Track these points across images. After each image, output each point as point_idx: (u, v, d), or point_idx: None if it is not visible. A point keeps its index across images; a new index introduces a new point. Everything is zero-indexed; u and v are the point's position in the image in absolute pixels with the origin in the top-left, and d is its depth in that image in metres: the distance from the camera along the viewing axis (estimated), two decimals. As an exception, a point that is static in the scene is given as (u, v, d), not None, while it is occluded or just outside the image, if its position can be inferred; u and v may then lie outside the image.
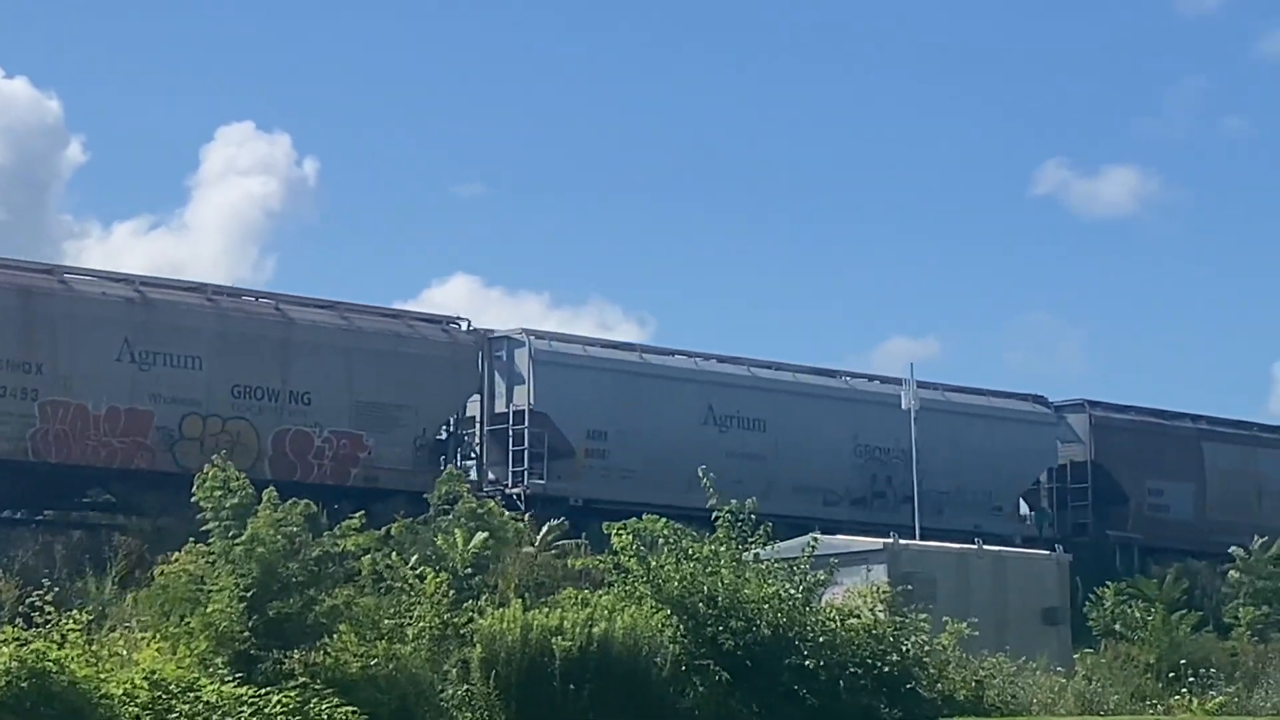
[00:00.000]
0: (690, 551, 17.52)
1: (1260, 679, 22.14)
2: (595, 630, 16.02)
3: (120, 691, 14.15)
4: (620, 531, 17.57)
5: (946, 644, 18.24)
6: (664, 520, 17.96)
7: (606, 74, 74.60)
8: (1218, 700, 19.64)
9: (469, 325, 30.26)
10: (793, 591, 17.47)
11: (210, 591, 15.27)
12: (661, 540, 17.62)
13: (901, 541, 21.45)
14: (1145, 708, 19.57)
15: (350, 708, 14.63)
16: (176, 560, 15.70)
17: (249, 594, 15.12)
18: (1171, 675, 21.31)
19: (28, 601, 15.54)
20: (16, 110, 59.25)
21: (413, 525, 21.96)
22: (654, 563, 17.27)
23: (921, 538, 23.48)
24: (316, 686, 14.85)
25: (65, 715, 13.79)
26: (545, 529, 24.19)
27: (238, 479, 15.84)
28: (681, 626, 16.84)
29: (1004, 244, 74.85)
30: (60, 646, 14.28)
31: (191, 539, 15.97)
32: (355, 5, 73.26)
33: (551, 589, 19.27)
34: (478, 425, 30.19)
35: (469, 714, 15.81)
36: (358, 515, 16.39)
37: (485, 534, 21.34)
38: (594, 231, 73.69)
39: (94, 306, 26.66)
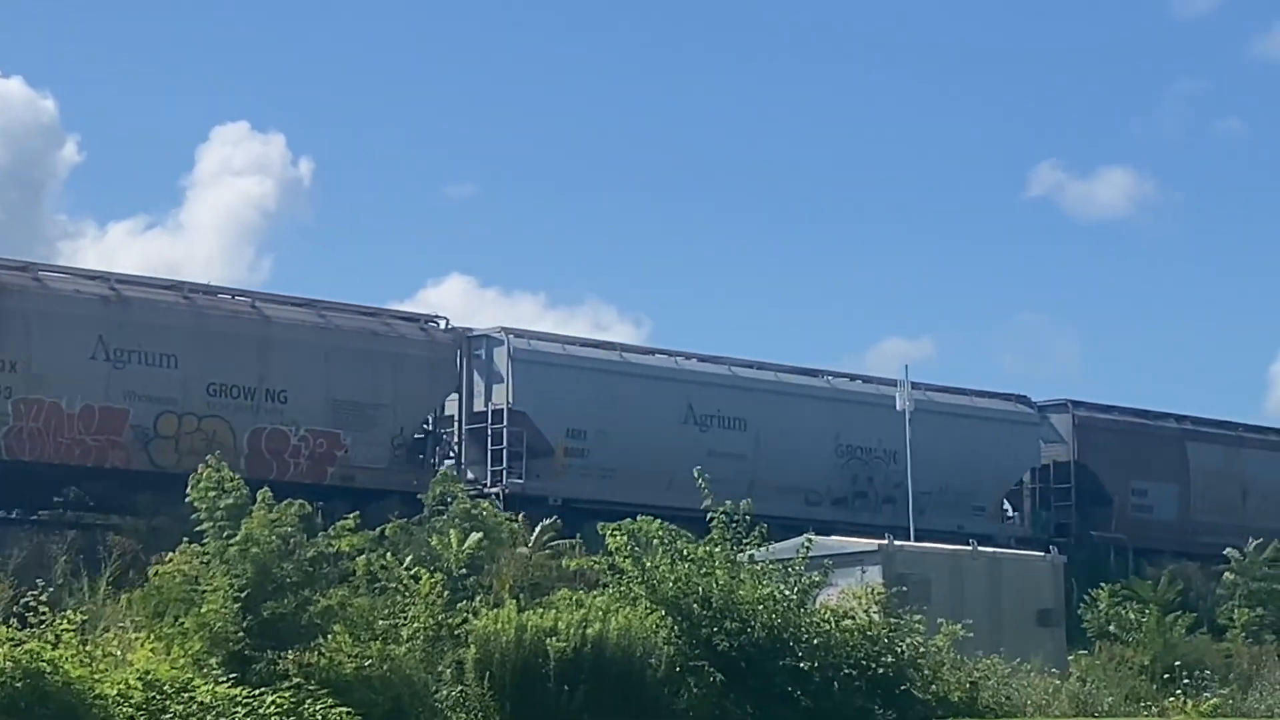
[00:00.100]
0: (685, 552, 18.05)
1: (1255, 681, 22.86)
2: (590, 631, 16.47)
3: (114, 692, 14.51)
4: (615, 532, 18.13)
5: (941, 645, 18.75)
6: (659, 521, 18.50)
7: (602, 74, 75.54)
8: (1212, 702, 20.16)
9: (447, 324, 30.67)
10: (787, 593, 17.98)
11: (204, 592, 15.67)
12: (656, 541, 18.16)
13: (896, 543, 22.05)
14: (1140, 710, 20.19)
15: (344, 708, 14.99)
16: (171, 560, 16.18)
17: (243, 594, 15.52)
18: (1166, 677, 21.96)
19: (22, 601, 15.96)
20: (12, 110, 59.97)
21: (407, 526, 22.44)
22: (649, 564, 17.80)
23: (903, 538, 24.01)
24: (311, 687, 15.23)
25: (59, 715, 14.15)
26: (539, 529, 24.71)
27: (232, 479, 16.31)
28: (676, 628, 17.33)
29: (999, 245, 75.95)
30: (54, 647, 14.64)
31: (186, 539, 16.42)
32: (351, 6, 74.22)
33: (546, 590, 19.80)
34: (456, 424, 30.64)
35: (463, 715, 16.25)
36: (352, 516, 16.88)
37: (480, 534, 21.86)
38: (590, 232, 74.72)
39: (68, 304, 26.93)
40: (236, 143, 69.08)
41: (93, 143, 73.15)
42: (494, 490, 29.12)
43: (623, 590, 17.87)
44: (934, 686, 18.27)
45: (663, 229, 73.97)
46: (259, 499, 16.08)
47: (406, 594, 17.21)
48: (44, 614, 15.30)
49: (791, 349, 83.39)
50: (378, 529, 19.35)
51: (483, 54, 74.11)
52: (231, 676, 15.20)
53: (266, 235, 71.71)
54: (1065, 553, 24.76)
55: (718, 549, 18.27)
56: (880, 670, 17.79)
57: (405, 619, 16.86)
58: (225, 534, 15.92)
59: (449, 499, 23.95)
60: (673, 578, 17.66)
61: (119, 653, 15.61)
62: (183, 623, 15.61)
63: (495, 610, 16.97)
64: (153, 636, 15.73)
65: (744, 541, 18.56)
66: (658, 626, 17.13)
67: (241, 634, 15.57)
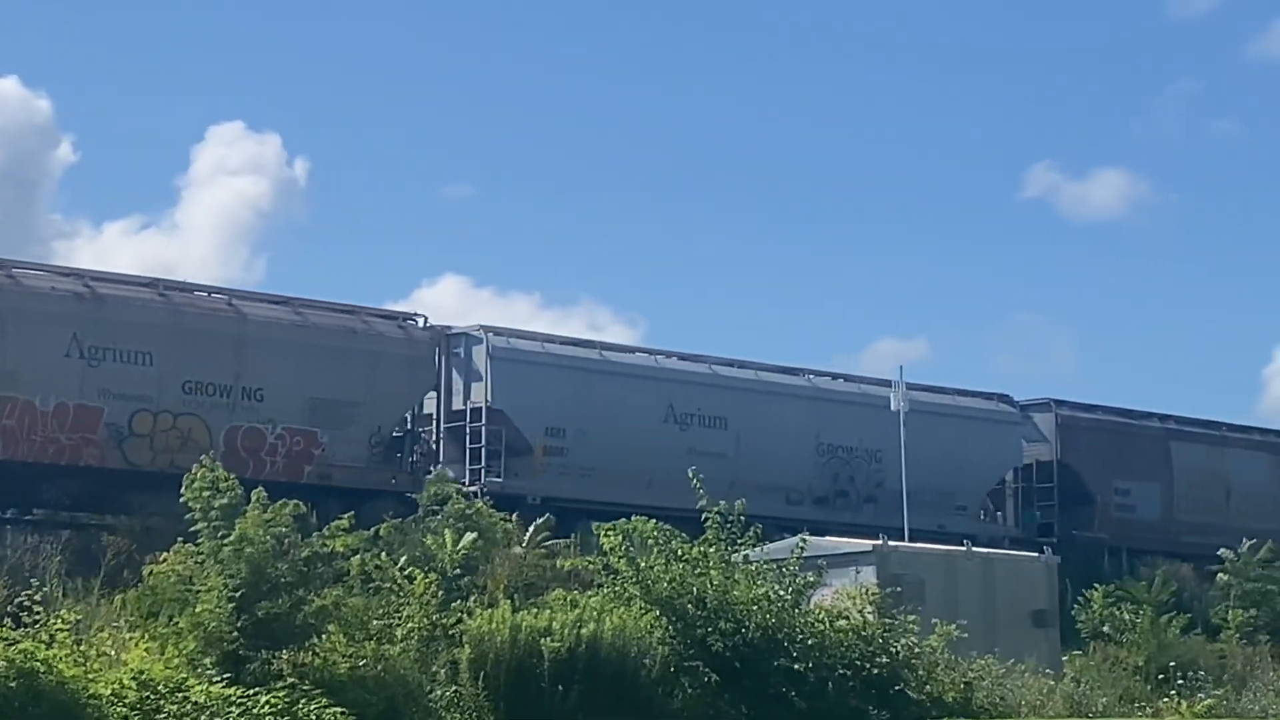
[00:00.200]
0: (679, 553, 18.58)
1: (1248, 681, 23.57)
2: (584, 631, 16.94)
3: (108, 691, 14.84)
4: (609, 533, 18.66)
5: (935, 646, 19.25)
6: (654, 521, 19.05)
7: (597, 74, 76.54)
8: (1206, 703, 20.81)
9: (426, 322, 31.07)
10: (782, 593, 18.49)
11: (199, 592, 16.09)
12: (650, 541, 18.69)
13: (890, 543, 22.66)
14: (1134, 710, 20.81)
15: (338, 708, 15.39)
16: (165, 560, 16.64)
17: (237, 594, 15.95)
18: (1160, 677, 22.64)
19: (16, 601, 16.35)
20: (7, 109, 60.69)
21: (402, 526, 22.92)
22: (643, 564, 18.30)
23: (886, 537, 24.52)
24: (305, 687, 15.62)
25: (53, 715, 14.46)
26: (532, 529, 25.22)
27: (226, 479, 16.78)
28: (670, 628, 17.82)
29: (994, 246, 77.08)
30: (48, 646, 14.96)
31: (180, 539, 16.88)
32: (347, 6, 75.19)
33: (540, 590, 20.32)
34: (435, 423, 31.04)
35: (457, 715, 16.68)
36: (347, 516, 17.37)
37: (474, 535, 22.37)
38: (585, 233, 75.78)
39: (43, 301, 27.21)
40: (232, 142, 70.09)
41: (88, 142, 74.13)
42: (472, 489, 29.58)
43: (617, 590, 18.34)
44: (928, 687, 18.78)
45: (658, 229, 75.21)
46: (253, 499, 16.53)
47: (401, 594, 17.67)
48: (38, 614, 15.67)
49: (786, 349, 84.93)
50: (372, 529, 19.77)
51: (478, 54, 75.36)
52: (226, 676, 15.60)
53: (261, 235, 72.83)
54: (1070, 554, 25.38)
55: (712, 549, 18.77)
56: (875, 671, 18.31)
57: (400, 619, 17.31)
58: (220, 534, 16.36)
59: (444, 499, 24.44)
60: (667, 578, 18.13)
61: (113, 652, 15.94)
62: (177, 622, 16.01)
63: (490, 610, 17.42)
64: (147, 636, 16.12)
65: (738, 542, 19.10)
66: (652, 627, 17.60)
67: (236, 634, 15.99)
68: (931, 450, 33.22)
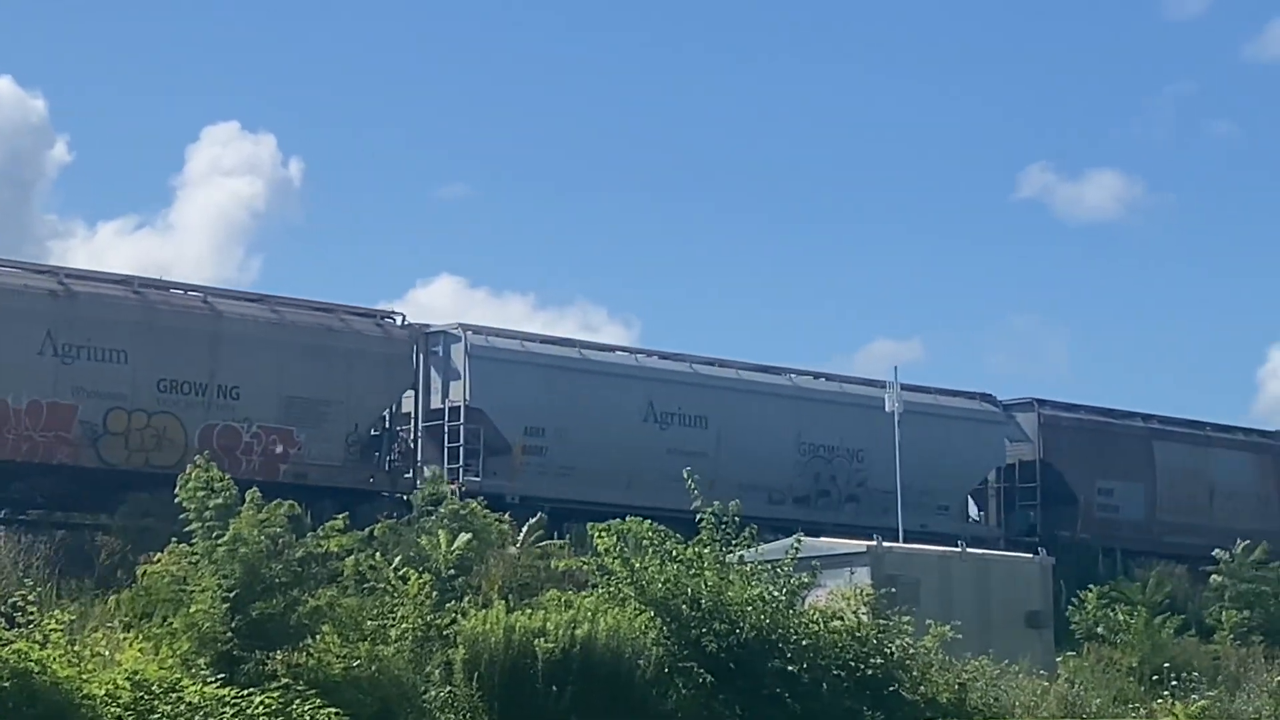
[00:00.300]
0: (674, 553, 19.03)
1: (1242, 683, 24.18)
2: (578, 632, 17.33)
3: (102, 692, 15.16)
4: (603, 533, 19.13)
5: (930, 647, 19.69)
6: (648, 522, 19.53)
7: (593, 75, 77.37)
8: (1200, 704, 21.36)
9: (404, 320, 31.38)
10: (776, 594, 18.93)
11: (193, 592, 16.45)
12: (645, 542, 19.16)
13: (885, 544, 23.18)
14: (1128, 711, 21.36)
15: (333, 709, 15.71)
16: (159, 561, 17.04)
17: (232, 594, 16.31)
18: (1154, 679, 23.22)
19: (10, 601, 16.68)
20: (2, 109, 61.42)
21: (396, 526, 23.34)
22: (637, 564, 18.75)
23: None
24: (299, 687, 15.97)
25: (47, 715, 14.78)
26: (525, 529, 25.66)
27: (221, 479, 17.19)
28: (665, 628, 18.23)
29: (988, 247, 78.07)
30: (42, 647, 15.32)
31: (174, 539, 17.28)
32: (342, 6, 75.84)
33: (535, 590, 20.77)
34: (413, 422, 31.36)
35: (451, 715, 17.05)
36: (342, 516, 17.81)
37: (469, 535, 22.82)
38: (580, 233, 76.70)
39: (16, 299, 27.40)
40: (227, 143, 71.19)
41: (83, 142, 75.07)
42: (450, 488, 29.98)
43: (611, 591, 18.76)
44: (923, 688, 19.20)
45: (653, 230, 76.23)
46: (248, 499, 16.94)
47: (395, 594, 18.10)
48: (32, 614, 16.05)
49: (782, 350, 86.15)
50: (366, 529, 20.21)
51: (474, 54, 76.29)
52: (220, 677, 15.95)
53: (256, 235, 73.76)
54: (1065, 555, 25.94)
55: (706, 550, 19.24)
56: (869, 671, 18.75)
57: (394, 619, 17.72)
58: (214, 534, 16.75)
59: (439, 499, 24.88)
60: (661, 579, 18.54)
61: (107, 653, 16.30)
62: (171, 623, 16.36)
63: (484, 611, 17.80)
64: (141, 637, 16.50)
65: (733, 543, 19.58)
66: (646, 627, 18.02)
67: (230, 634, 16.35)
68: (914, 450, 33.66)
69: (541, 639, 17.30)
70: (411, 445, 31.40)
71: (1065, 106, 78.92)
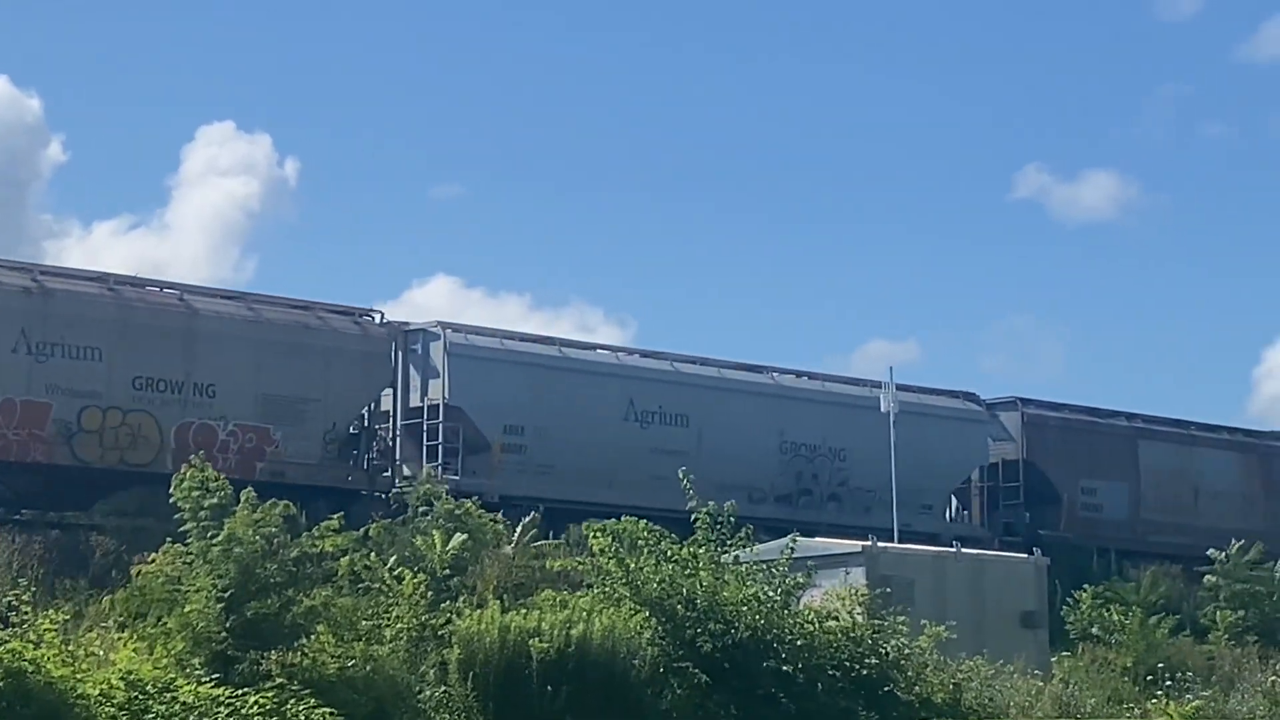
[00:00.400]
0: (669, 553, 19.12)
1: (1236, 683, 24.32)
2: (573, 632, 17.38)
3: (96, 692, 15.22)
4: (599, 533, 19.22)
5: (924, 647, 19.77)
6: (644, 522, 19.62)
7: (588, 75, 77.78)
8: (1194, 704, 21.49)
9: (382, 318, 31.36)
10: (771, 594, 19.03)
11: (187, 592, 16.54)
12: (640, 542, 19.25)
13: (880, 544, 23.31)
14: (1122, 711, 21.46)
15: (327, 709, 15.78)
16: (153, 561, 17.12)
17: (226, 594, 16.38)
18: (1149, 679, 23.35)
19: (4, 601, 16.74)
20: None
21: (391, 526, 23.41)
22: (633, 564, 18.86)
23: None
24: (294, 687, 16.03)
25: (41, 715, 14.83)
26: (520, 528, 25.76)
27: (216, 479, 17.27)
28: (660, 628, 18.29)
29: (984, 248, 78.51)
30: (36, 646, 15.36)
31: (169, 539, 17.36)
32: (338, 7, 75.98)
33: (530, 590, 20.85)
34: (392, 420, 31.38)
35: (446, 715, 17.12)
36: (337, 516, 17.90)
37: (464, 535, 22.91)
38: (576, 233, 77.11)
39: (-11, 295, 27.39)
40: (222, 143, 71.33)
41: (78, 142, 75.59)
42: (428, 486, 29.92)
43: (606, 591, 18.84)
44: (917, 688, 19.29)
45: (649, 231, 76.69)
46: (242, 498, 17.03)
47: (390, 594, 18.19)
48: (26, 613, 16.12)
49: (777, 351, 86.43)
50: (361, 529, 20.28)
51: (469, 54, 76.72)
52: (214, 677, 16.00)
53: (252, 235, 73.88)
54: (1060, 555, 26.05)
55: (702, 550, 19.34)
56: (864, 671, 18.83)
57: (389, 619, 17.80)
58: (209, 534, 16.83)
59: (433, 499, 24.96)
60: (657, 579, 18.64)
61: (101, 653, 16.35)
62: (165, 623, 16.43)
63: (479, 611, 17.88)
64: (135, 636, 16.55)
65: (728, 543, 19.68)
66: (641, 627, 18.06)
67: (224, 634, 16.41)
68: (898, 449, 33.81)
69: (536, 639, 17.37)
70: (390, 444, 31.40)
71: (1060, 107, 79.50)
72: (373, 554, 19.39)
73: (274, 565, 16.88)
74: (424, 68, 78.10)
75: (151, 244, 69.95)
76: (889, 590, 21.00)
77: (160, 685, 15.70)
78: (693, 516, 19.87)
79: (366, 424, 30.98)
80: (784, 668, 18.47)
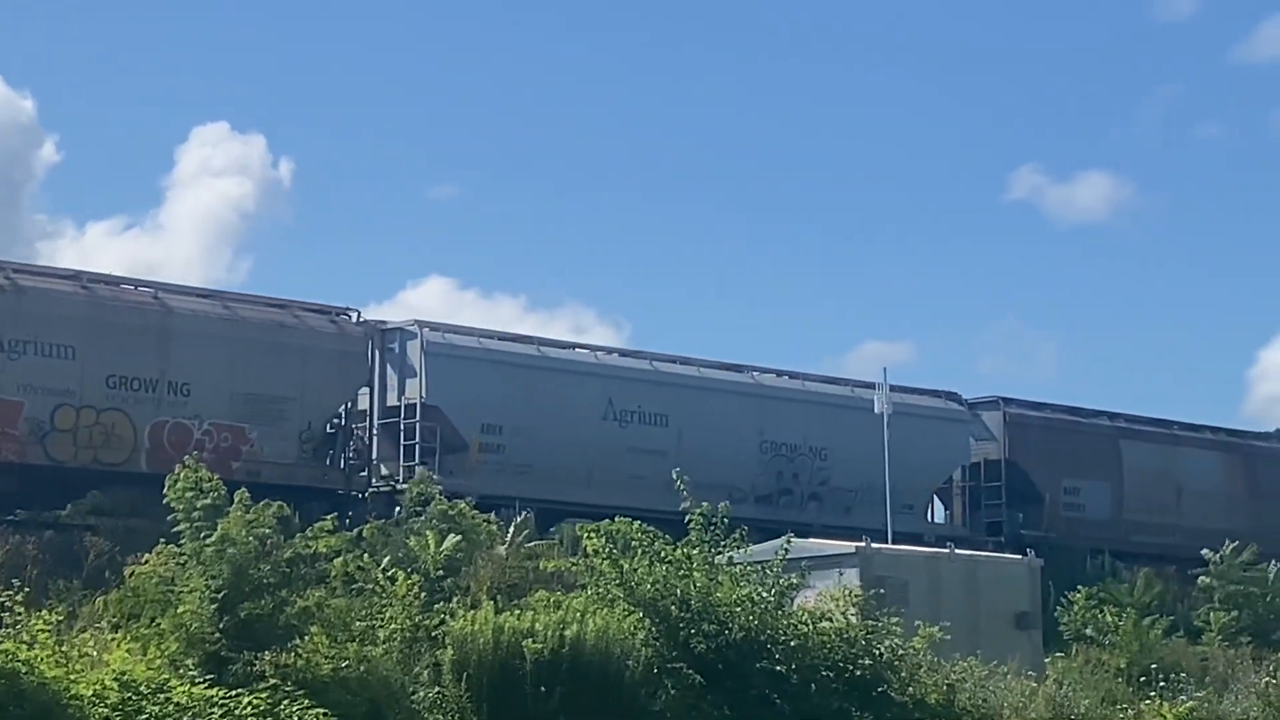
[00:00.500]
0: (663, 554, 19.20)
1: (1230, 684, 24.42)
2: (567, 633, 17.44)
3: (90, 692, 15.28)
4: (592, 534, 19.28)
5: (918, 648, 19.80)
6: (638, 523, 19.68)
7: (583, 76, 78.08)
8: (1188, 705, 21.60)
9: (359, 316, 31.30)
10: (765, 595, 19.10)
11: (181, 593, 16.60)
12: (634, 543, 19.32)
13: (874, 545, 23.38)
14: (1116, 712, 21.53)
15: (321, 710, 15.88)
16: (147, 561, 17.17)
17: (220, 595, 16.43)
18: (1142, 680, 23.45)
19: (-3, 601, 16.92)
20: None
21: (384, 527, 23.44)
22: (626, 565, 18.92)
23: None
24: (287, 688, 16.13)
25: (34, 716, 14.89)
26: (512, 528, 25.82)
27: (210, 479, 17.32)
28: (654, 629, 18.34)
29: (978, 249, 78.69)
30: (30, 647, 15.43)
31: (162, 540, 17.42)
32: (333, 7, 76.12)
33: (523, 591, 20.91)
34: (369, 419, 31.32)
35: (440, 716, 17.17)
36: (330, 516, 17.95)
37: (458, 536, 22.97)
38: (571, 234, 77.38)
39: (-40, 294, 27.20)
40: (216, 143, 71.38)
41: (71, 142, 75.45)
42: (404, 487, 29.93)
43: (600, 592, 18.91)
44: (911, 689, 19.34)
45: (644, 232, 76.99)
46: (236, 499, 17.09)
47: (383, 595, 18.23)
48: (19, 614, 16.15)
49: (772, 351, 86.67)
50: (355, 530, 20.34)
51: (465, 55, 77.00)
52: (208, 677, 16.07)
53: (246, 236, 74.32)
54: (1055, 556, 26.09)
55: (696, 551, 19.41)
56: (858, 672, 18.88)
57: (382, 620, 17.84)
58: (202, 535, 16.89)
59: (427, 499, 25.00)
60: (650, 579, 18.72)
61: (95, 653, 16.36)
62: (159, 623, 16.49)
63: (472, 612, 17.94)
64: (129, 637, 16.60)
65: (722, 544, 19.75)
66: (635, 628, 18.12)
67: (218, 635, 16.47)
68: (878, 448, 33.91)
69: (530, 640, 17.42)
70: (367, 443, 31.35)
71: (1056, 108, 79.71)
72: (366, 555, 19.41)
73: (267, 566, 16.94)
74: (419, 68, 78.49)
75: (145, 245, 70.43)
76: (883, 591, 21.05)
77: (154, 686, 15.77)
78: (686, 518, 19.92)
79: (343, 423, 30.90)
80: (778, 668, 18.52)
